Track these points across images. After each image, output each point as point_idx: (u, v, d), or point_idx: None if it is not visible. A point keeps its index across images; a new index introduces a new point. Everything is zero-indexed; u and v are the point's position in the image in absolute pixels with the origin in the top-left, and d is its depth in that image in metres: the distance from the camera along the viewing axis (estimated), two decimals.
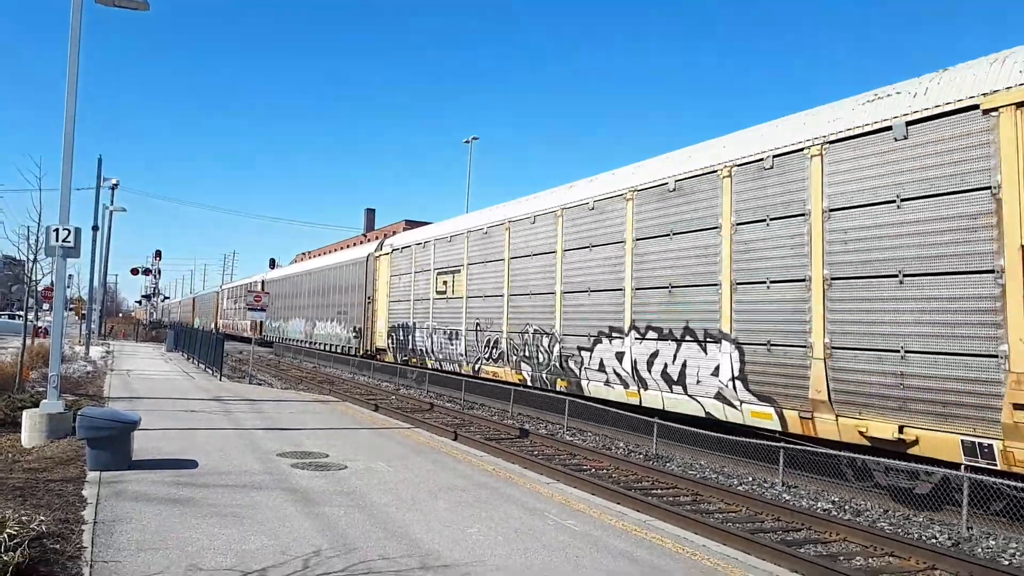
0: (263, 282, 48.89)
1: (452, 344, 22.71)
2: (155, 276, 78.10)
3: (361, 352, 31.05)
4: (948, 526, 9.29)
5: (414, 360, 25.63)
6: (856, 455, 10.42)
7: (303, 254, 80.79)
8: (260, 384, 24.92)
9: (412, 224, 51.25)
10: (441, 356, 23.50)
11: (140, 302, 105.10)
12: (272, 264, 77.96)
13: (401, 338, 26.81)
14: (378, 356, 29.34)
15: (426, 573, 5.90)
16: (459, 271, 22.55)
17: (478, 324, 21.11)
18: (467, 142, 48.71)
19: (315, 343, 38.26)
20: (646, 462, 13.08)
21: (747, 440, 12.07)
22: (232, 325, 58.57)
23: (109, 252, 46.43)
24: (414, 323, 25.74)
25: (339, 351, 34.12)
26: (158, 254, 76.50)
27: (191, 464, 9.68)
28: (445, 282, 23.53)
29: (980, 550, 8.53)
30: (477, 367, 21.11)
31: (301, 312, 42.16)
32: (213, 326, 64.35)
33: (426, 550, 6.47)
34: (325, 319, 36.96)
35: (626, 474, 12.21)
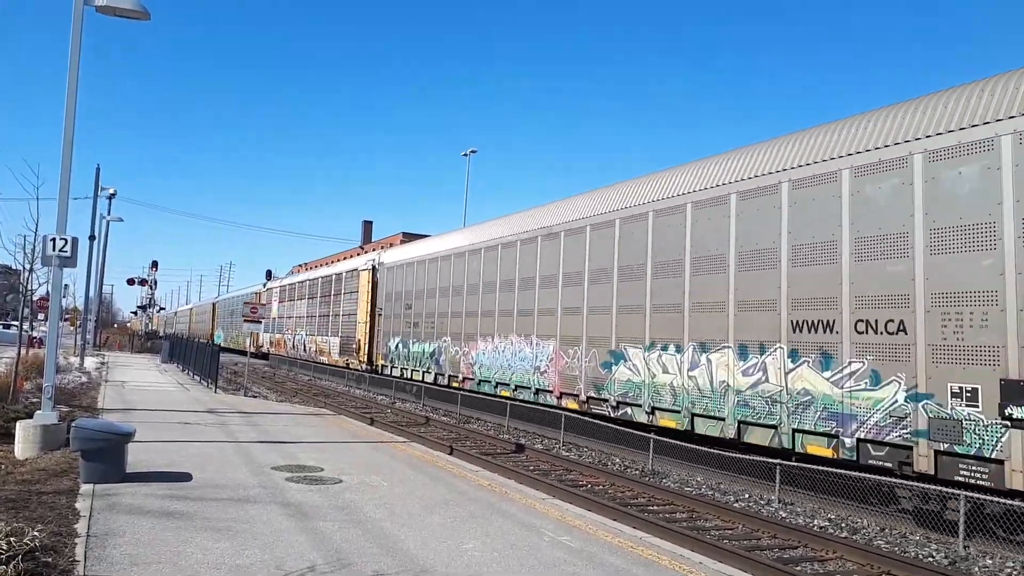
0: (374, 267, 30.67)
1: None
2: (151, 287, 77.99)
3: None
4: (945, 544, 9.26)
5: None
6: (850, 472, 10.41)
7: (300, 265, 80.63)
8: (255, 397, 24.83)
9: (409, 236, 51.18)
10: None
11: (136, 313, 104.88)
12: (269, 275, 77.60)
13: None
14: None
15: None
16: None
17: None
18: (465, 155, 48.85)
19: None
20: (642, 478, 13.05)
21: (743, 456, 12.05)
22: (292, 343, 42.56)
23: (105, 262, 46.39)
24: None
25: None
26: (154, 265, 76.52)
27: (185, 477, 9.63)
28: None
29: (977, 569, 8.51)
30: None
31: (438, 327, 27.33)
32: (250, 345, 46.93)
33: (421, 566, 6.43)
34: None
35: (622, 490, 12.17)
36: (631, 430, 14.52)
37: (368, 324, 29.80)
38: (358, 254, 56.92)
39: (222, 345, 55.77)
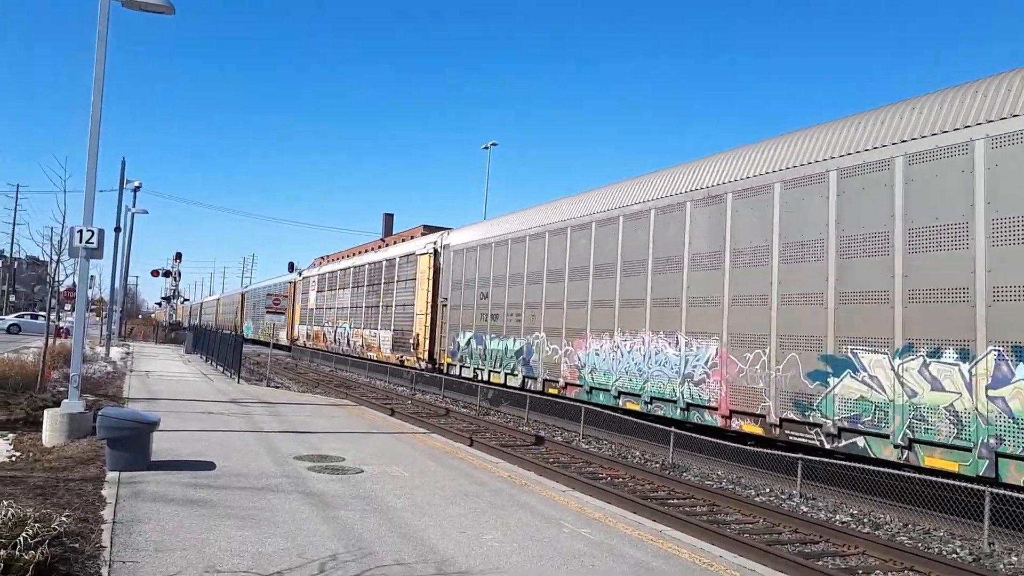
0: (435, 250, 26.91)
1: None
2: (175, 278, 78.81)
3: None
4: (969, 541, 9.17)
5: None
6: (874, 467, 10.32)
7: (322, 258, 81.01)
8: (278, 387, 25.05)
9: (430, 229, 50.97)
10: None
11: (160, 304, 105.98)
12: (291, 268, 77.95)
13: None
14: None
15: None
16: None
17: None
18: (486, 148, 48.70)
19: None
20: (662, 471, 13.02)
21: (765, 451, 11.98)
22: (333, 337, 38.56)
23: (131, 254, 46.94)
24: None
25: None
26: (178, 256, 77.36)
27: (209, 466, 9.74)
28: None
29: (1002, 566, 8.41)
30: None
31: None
32: (286, 337, 47.95)
33: (441, 556, 6.46)
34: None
35: (642, 483, 12.16)
36: (653, 423, 14.42)
37: (429, 316, 26.04)
38: (379, 247, 55.96)
39: (252, 337, 51.65)
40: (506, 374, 20.53)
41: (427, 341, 26.10)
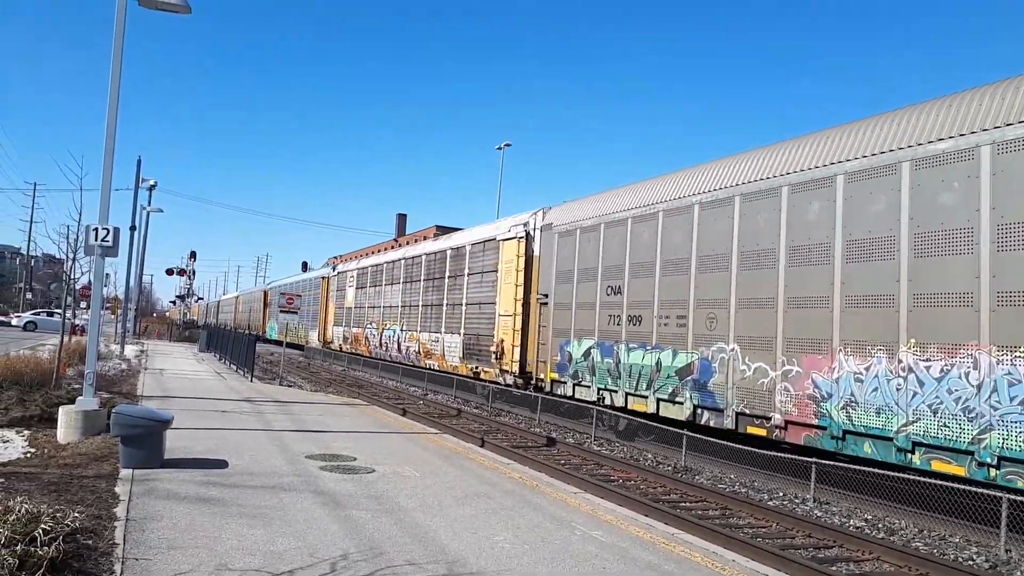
0: (527, 233, 21.16)
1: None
2: (189, 277, 79.24)
3: None
4: (986, 548, 9.07)
5: None
6: (886, 472, 10.22)
7: (335, 257, 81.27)
8: (290, 386, 25.14)
9: (443, 229, 50.89)
10: None
11: (174, 302, 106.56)
12: (305, 267, 78.14)
13: None
14: None
15: None
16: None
17: None
18: (499, 148, 48.71)
19: None
20: (675, 474, 12.96)
21: (778, 454, 11.90)
22: (378, 341, 32.91)
23: (145, 252, 47.22)
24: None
25: None
26: (193, 255, 77.74)
27: (221, 464, 9.77)
28: None
29: (1019, 573, 8.31)
30: None
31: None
32: (318, 339, 43.23)
33: (452, 557, 6.45)
34: None
35: (654, 486, 12.10)
36: (665, 427, 14.37)
37: (519, 318, 20.34)
38: (392, 247, 55.44)
39: (276, 339, 46.92)
40: (659, 400, 14.66)
41: (516, 349, 20.34)
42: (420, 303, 28.28)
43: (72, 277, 18.55)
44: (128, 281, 40.77)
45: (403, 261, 30.83)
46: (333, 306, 41.17)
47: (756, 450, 12.29)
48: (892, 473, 10.20)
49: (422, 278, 28.44)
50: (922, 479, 9.79)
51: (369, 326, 34.32)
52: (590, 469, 13.18)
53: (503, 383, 21.10)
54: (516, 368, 20.30)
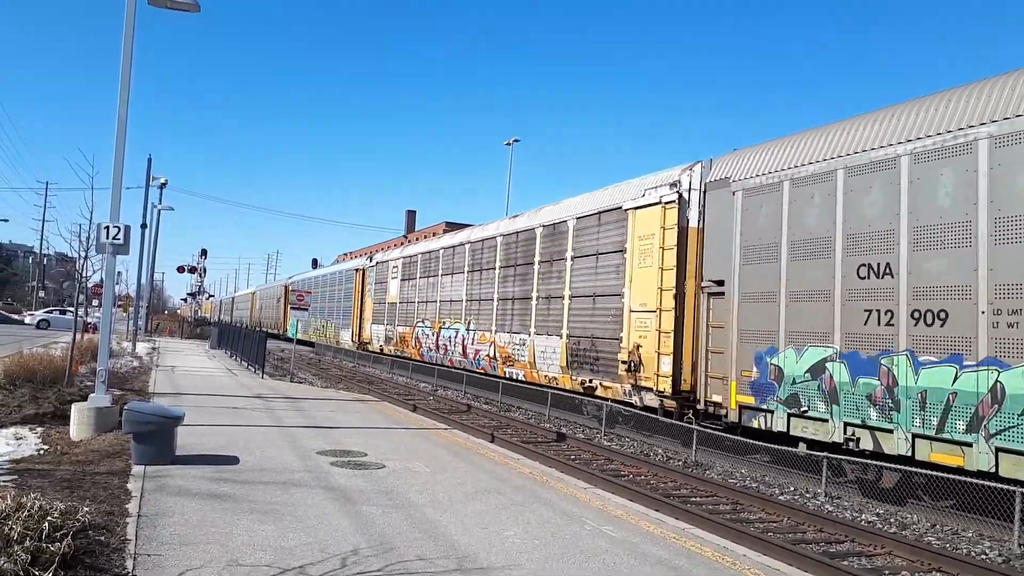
0: (679, 196, 14.92)
1: None
2: (200, 274, 79.52)
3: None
4: (999, 542, 9.01)
5: None
6: (899, 467, 10.16)
7: (345, 254, 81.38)
8: (301, 382, 25.21)
9: (453, 226, 50.91)
10: None
11: (186, 299, 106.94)
12: (315, 264, 78.13)
13: None
14: None
15: (463, 575, 5.88)
16: None
17: None
18: (508, 144, 48.63)
19: None
20: (685, 469, 12.93)
21: (787, 449, 11.86)
22: (434, 342, 27.19)
23: (156, 250, 47.44)
24: None
25: None
26: (203, 253, 77.99)
27: (232, 460, 9.81)
28: None
29: None
30: None
31: None
32: (351, 339, 37.99)
33: (463, 552, 6.46)
34: None
35: (664, 481, 12.08)
36: (674, 421, 14.33)
37: (669, 315, 14.62)
38: (402, 243, 54.89)
39: (301, 338, 40.88)
40: (1000, 450, 9.02)
41: (663, 359, 14.64)
42: (495, 296, 22.76)
43: (84, 275, 18.63)
44: (139, 279, 41.03)
45: (467, 246, 25.42)
46: (371, 302, 35.95)
47: (766, 444, 12.25)
48: (902, 468, 10.14)
49: (497, 265, 22.86)
50: (930, 472, 9.74)
51: (421, 325, 28.82)
52: (600, 464, 13.17)
53: (638, 404, 15.59)
54: (666, 385, 14.39)
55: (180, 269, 75.20)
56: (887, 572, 7.94)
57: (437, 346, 26.78)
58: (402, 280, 31.80)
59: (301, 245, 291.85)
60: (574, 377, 17.93)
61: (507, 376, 21.41)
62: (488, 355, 22.60)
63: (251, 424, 13.27)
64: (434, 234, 43.07)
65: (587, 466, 12.54)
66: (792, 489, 11.74)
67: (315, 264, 78.56)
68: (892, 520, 10.06)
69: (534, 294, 20.34)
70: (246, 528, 6.72)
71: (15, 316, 59.58)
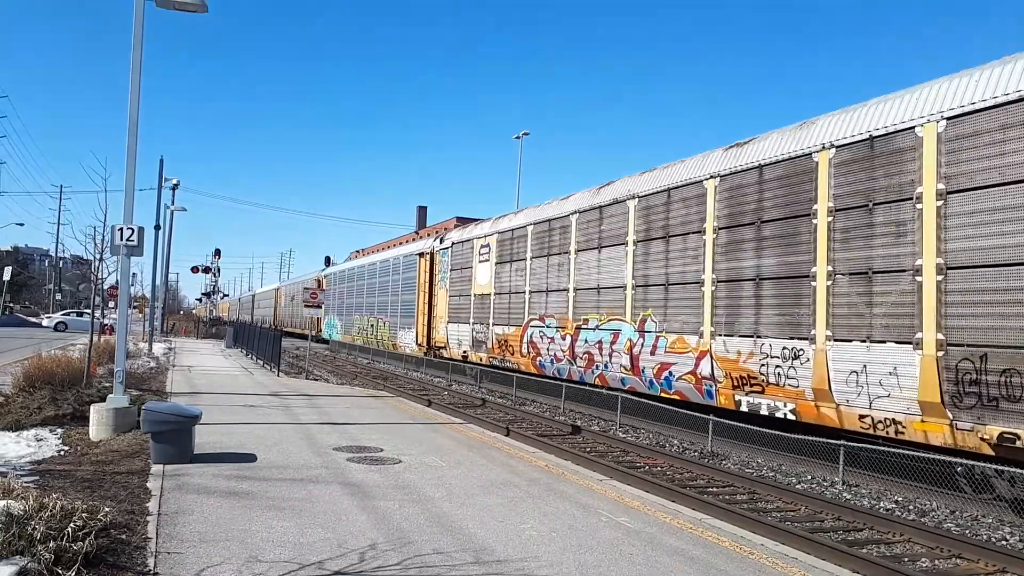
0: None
1: None
2: (215, 274, 79.83)
3: None
4: (1020, 528, 8.95)
5: None
6: (918, 452, 10.11)
7: (357, 252, 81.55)
8: (317, 380, 25.33)
9: (463, 221, 50.72)
10: None
11: (200, 299, 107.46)
12: (328, 262, 78.33)
13: None
14: None
15: (480, 568, 5.91)
16: None
17: None
18: (518, 138, 48.53)
19: None
20: (701, 460, 12.91)
21: (805, 438, 11.80)
22: (559, 350, 19.12)
23: (170, 250, 47.71)
24: None
25: None
26: (217, 252, 78.08)
27: (250, 458, 9.88)
28: None
29: None
30: None
31: None
32: (416, 341, 30.41)
33: (479, 545, 6.48)
34: None
35: (680, 472, 12.06)
36: (688, 411, 14.30)
37: None
38: (413, 239, 54.67)
39: (340, 339, 37.99)
40: None
41: None
42: (705, 279, 14.13)
43: (100, 277, 18.77)
44: (154, 279, 41.27)
45: (633, 202, 16.62)
46: (445, 294, 27.99)
47: (782, 434, 12.20)
48: (919, 454, 10.08)
49: (702, 229, 14.34)
50: (953, 460, 9.68)
51: (538, 325, 20.61)
52: (616, 456, 13.17)
53: None
54: None
55: (194, 269, 75.37)
56: (907, 559, 7.90)
57: (573, 352, 18.62)
58: (497, 263, 23.65)
59: (312, 245, 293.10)
60: (969, 425, 9.28)
61: (739, 408, 13.19)
62: (690, 372, 14.44)
63: (268, 422, 13.35)
64: (445, 229, 39.49)
65: (602, 458, 12.53)
66: (809, 478, 11.70)
67: (328, 262, 78.56)
68: (911, 507, 10.01)
69: (820, 268, 11.71)
70: (265, 525, 6.77)
71: (33, 319, 60.20)
